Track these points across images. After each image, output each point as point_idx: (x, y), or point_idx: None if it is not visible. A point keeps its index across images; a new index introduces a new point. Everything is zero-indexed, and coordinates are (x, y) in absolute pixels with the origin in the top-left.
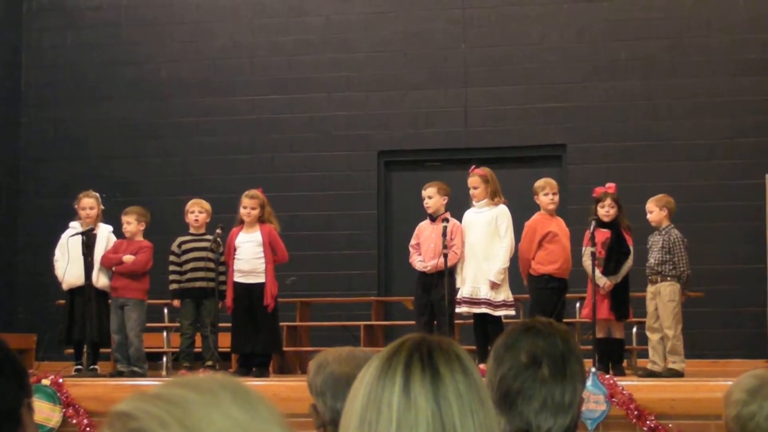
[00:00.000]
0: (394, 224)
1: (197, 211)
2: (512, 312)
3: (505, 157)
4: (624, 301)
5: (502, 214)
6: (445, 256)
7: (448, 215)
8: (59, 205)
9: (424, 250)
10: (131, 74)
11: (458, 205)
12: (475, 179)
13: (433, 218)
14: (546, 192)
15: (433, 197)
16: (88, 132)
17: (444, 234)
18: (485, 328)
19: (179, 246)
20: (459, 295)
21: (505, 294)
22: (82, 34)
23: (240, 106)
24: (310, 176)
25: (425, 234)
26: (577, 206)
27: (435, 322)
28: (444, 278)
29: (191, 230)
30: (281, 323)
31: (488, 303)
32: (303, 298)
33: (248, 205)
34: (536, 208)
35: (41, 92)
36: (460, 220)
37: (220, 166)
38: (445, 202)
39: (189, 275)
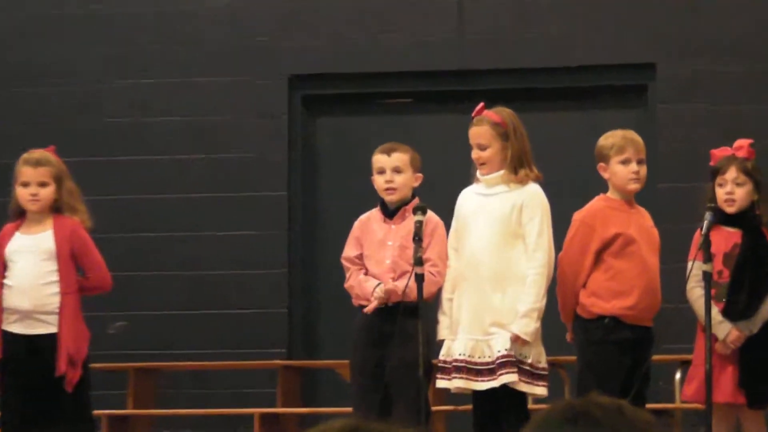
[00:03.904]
0: (322, 217)
1: None
2: (543, 390)
3: (534, 89)
4: (766, 369)
5: (532, 199)
6: (419, 278)
7: (417, 201)
8: None
9: (373, 267)
10: None
11: (449, 179)
12: (481, 130)
13: (391, 210)
14: (625, 157)
15: (403, 172)
16: None
17: (417, 237)
18: (496, 419)
19: None
20: (444, 355)
21: (535, 354)
22: None
23: None
24: (156, 125)
25: (375, 237)
26: (671, 183)
27: (393, 407)
28: (411, 319)
29: None
30: (98, 411)
31: (505, 368)
32: (142, 362)
33: (32, 179)
34: (597, 188)
35: None
36: (446, 211)
37: None
38: (418, 184)
39: None
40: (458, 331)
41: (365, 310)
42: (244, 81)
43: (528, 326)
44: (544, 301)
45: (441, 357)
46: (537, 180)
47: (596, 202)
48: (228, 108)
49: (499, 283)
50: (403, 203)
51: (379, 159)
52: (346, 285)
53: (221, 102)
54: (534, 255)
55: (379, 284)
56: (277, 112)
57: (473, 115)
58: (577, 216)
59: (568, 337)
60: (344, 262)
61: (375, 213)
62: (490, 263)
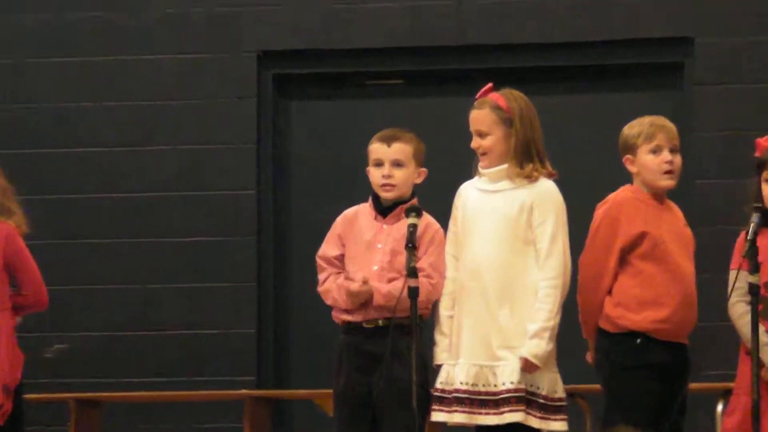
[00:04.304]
0: (297, 220)
1: None
2: (561, 426)
3: (548, 68)
4: None
5: (544, 198)
6: (412, 291)
7: (415, 202)
8: None
9: (356, 272)
10: None
11: (447, 173)
12: (481, 114)
13: (385, 207)
14: (655, 144)
15: (405, 165)
16: None
17: (410, 243)
18: None
19: None
20: (443, 383)
21: (549, 382)
22: None
23: None
24: (94, 112)
25: (362, 236)
26: (709, 179)
27: None
28: (404, 339)
29: None
30: None
31: (509, 405)
32: (84, 392)
33: None
34: (620, 180)
35: None
36: (444, 211)
37: None
38: (421, 180)
39: None
40: (459, 355)
41: (350, 287)
42: (203, 59)
43: (539, 348)
44: (557, 318)
45: (439, 385)
46: (550, 177)
47: (622, 192)
48: (184, 91)
49: (505, 297)
50: (401, 201)
51: (377, 149)
52: (320, 288)
53: (175, 84)
54: (546, 263)
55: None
56: (243, 95)
57: (477, 97)
58: (601, 209)
59: (589, 356)
60: (319, 261)
61: (365, 208)
62: (496, 273)
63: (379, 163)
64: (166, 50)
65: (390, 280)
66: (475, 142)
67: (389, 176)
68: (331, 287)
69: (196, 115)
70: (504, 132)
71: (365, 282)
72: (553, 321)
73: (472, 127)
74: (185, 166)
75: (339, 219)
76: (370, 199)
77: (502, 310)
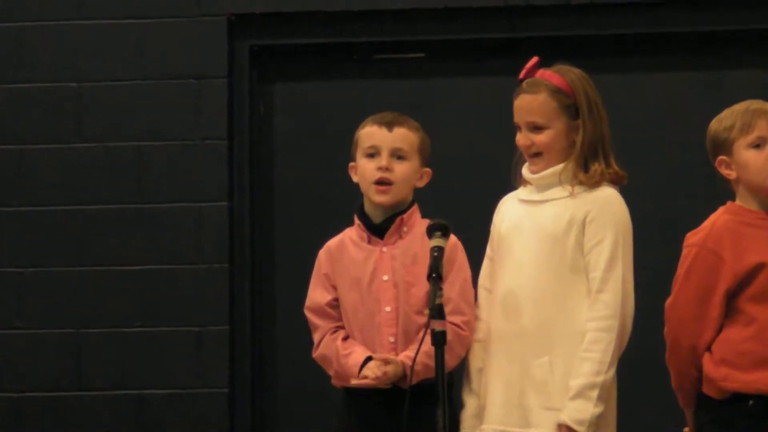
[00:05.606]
0: (283, 241)
1: None
2: None
3: (615, 38)
4: None
5: (601, 210)
6: (438, 337)
7: (415, 214)
8: None
9: (358, 322)
10: None
11: (479, 177)
12: (537, 101)
13: (379, 223)
14: (756, 136)
15: (407, 159)
16: None
17: (435, 272)
18: None
19: None
20: None
21: None
22: None
23: None
24: (16, 92)
25: (356, 270)
26: None
27: None
28: (428, 406)
29: None
30: None
31: None
32: None
33: None
34: (718, 192)
35: None
36: (472, 229)
37: None
38: (423, 183)
39: None
40: (486, 416)
41: (352, 382)
42: (154, 25)
43: (582, 412)
44: (611, 372)
45: None
46: (616, 181)
47: (721, 216)
48: (127, 68)
49: (545, 343)
50: (398, 211)
51: (372, 134)
52: (315, 354)
53: (115, 59)
54: (599, 298)
55: (369, 358)
56: (211, 73)
57: (521, 76)
58: (693, 239)
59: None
60: (309, 315)
61: (351, 233)
62: (534, 311)
63: (373, 153)
64: (102, 14)
65: (416, 326)
66: (525, 139)
67: (388, 168)
68: (328, 353)
69: (144, 101)
70: (566, 124)
71: (385, 362)
72: (604, 375)
73: (522, 118)
74: (129, 169)
75: (322, 255)
76: (356, 219)
77: (541, 359)
